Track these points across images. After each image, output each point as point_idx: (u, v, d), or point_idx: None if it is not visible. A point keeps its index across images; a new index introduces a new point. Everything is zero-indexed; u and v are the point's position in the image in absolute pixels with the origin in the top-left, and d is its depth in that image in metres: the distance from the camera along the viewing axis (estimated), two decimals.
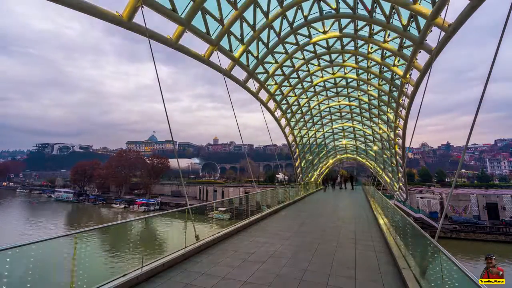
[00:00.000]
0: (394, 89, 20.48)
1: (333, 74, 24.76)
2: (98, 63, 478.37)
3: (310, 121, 33.51)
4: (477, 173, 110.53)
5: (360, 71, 22.66)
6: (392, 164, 33.78)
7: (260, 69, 19.40)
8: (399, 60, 16.98)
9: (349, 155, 54.38)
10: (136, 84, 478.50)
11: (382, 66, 19.32)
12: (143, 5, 9.38)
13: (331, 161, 54.02)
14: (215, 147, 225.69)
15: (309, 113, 31.45)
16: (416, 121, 11.77)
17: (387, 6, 13.27)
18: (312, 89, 26.95)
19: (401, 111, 21.70)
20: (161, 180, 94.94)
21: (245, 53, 16.46)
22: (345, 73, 24.31)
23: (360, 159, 52.36)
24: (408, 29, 13.33)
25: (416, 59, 14.95)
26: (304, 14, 16.24)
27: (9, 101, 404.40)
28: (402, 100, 19.88)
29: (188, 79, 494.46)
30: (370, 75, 22.28)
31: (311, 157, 41.22)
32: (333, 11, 15.88)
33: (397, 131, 25.58)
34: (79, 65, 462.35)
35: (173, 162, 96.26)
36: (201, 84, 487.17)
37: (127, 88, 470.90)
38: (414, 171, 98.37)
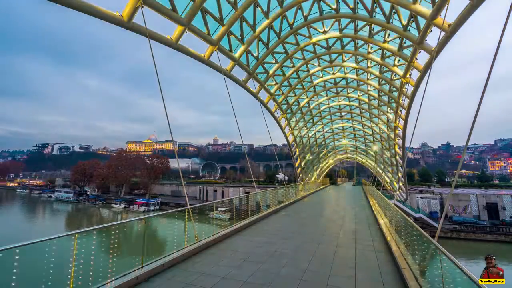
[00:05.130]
0: (394, 89, 20.49)
1: (333, 74, 24.77)
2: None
3: (310, 121, 33.53)
4: (477, 173, 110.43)
5: (360, 71, 22.68)
6: (392, 165, 33.79)
7: (260, 69, 19.41)
8: (399, 60, 16.99)
9: (349, 155, 54.44)
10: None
11: (382, 66, 19.33)
12: (143, 5, 9.39)
13: (331, 161, 54.06)
14: (215, 147, 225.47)
15: (309, 113, 31.47)
16: (416, 121, 11.78)
17: (387, 6, 13.28)
18: (312, 89, 26.97)
19: (401, 111, 21.70)
20: (161, 180, 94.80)
21: (245, 53, 16.46)
22: (345, 73, 24.31)
23: (360, 158, 52.40)
24: (408, 29, 13.34)
25: (416, 59, 14.96)
26: (304, 14, 16.24)
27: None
28: (402, 100, 19.89)
29: None
30: (370, 75, 22.30)
31: (311, 157, 41.24)
32: (333, 11, 15.89)
33: (397, 131, 25.60)
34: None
35: (173, 162, 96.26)
36: None
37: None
38: (414, 171, 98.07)
